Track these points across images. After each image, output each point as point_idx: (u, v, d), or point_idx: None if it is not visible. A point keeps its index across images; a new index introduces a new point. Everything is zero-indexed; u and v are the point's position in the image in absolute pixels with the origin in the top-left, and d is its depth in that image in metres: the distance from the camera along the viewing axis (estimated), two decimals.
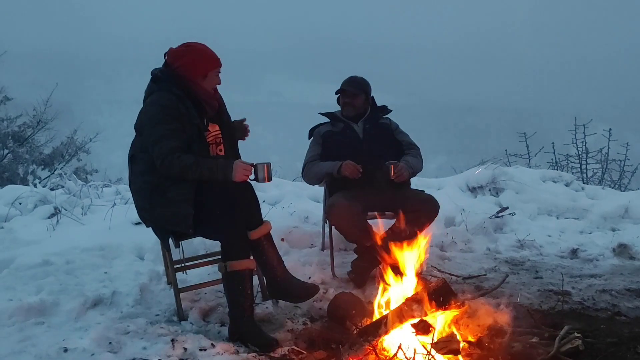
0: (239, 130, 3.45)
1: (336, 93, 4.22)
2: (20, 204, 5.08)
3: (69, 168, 11.16)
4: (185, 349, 2.83)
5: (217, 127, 3.30)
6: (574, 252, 4.67)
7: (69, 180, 5.60)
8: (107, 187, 5.91)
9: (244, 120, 3.48)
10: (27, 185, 6.51)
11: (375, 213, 3.98)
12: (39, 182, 7.87)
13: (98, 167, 12.11)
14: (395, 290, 2.92)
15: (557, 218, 5.64)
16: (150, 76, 3.22)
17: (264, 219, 3.27)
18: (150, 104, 3.11)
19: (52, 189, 5.61)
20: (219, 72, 3.22)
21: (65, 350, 2.77)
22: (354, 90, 4.15)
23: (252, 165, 3.09)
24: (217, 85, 3.28)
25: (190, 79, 3.13)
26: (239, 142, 3.49)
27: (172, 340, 2.90)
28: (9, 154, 11.05)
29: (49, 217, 4.83)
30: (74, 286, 3.56)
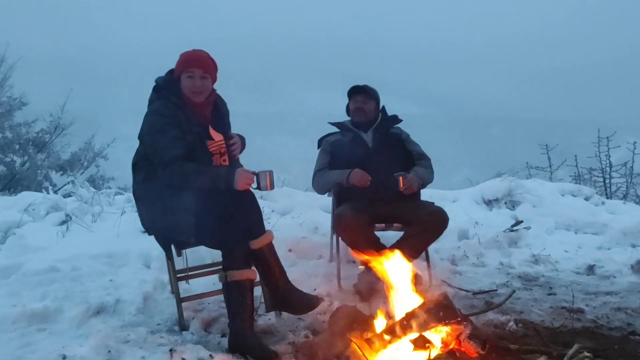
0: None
1: (349, 95, 4.16)
2: (33, 210, 5.13)
3: (85, 174, 11.20)
4: (183, 359, 2.79)
5: (222, 137, 3.27)
6: (590, 269, 4.51)
7: (82, 187, 5.64)
8: (119, 194, 5.95)
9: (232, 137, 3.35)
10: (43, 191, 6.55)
11: (383, 225, 3.92)
12: (58, 189, 7.93)
13: (122, 176, 12.08)
14: (398, 305, 2.85)
15: (575, 233, 5.49)
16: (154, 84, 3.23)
17: (272, 228, 3.23)
18: (150, 113, 3.12)
19: (65, 196, 5.66)
20: (192, 76, 3.10)
21: (64, 357, 2.76)
22: (366, 95, 4.10)
23: (254, 173, 3.06)
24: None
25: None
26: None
27: (171, 350, 2.86)
28: (27, 162, 11.12)
29: (59, 224, 4.87)
30: (79, 293, 3.55)
